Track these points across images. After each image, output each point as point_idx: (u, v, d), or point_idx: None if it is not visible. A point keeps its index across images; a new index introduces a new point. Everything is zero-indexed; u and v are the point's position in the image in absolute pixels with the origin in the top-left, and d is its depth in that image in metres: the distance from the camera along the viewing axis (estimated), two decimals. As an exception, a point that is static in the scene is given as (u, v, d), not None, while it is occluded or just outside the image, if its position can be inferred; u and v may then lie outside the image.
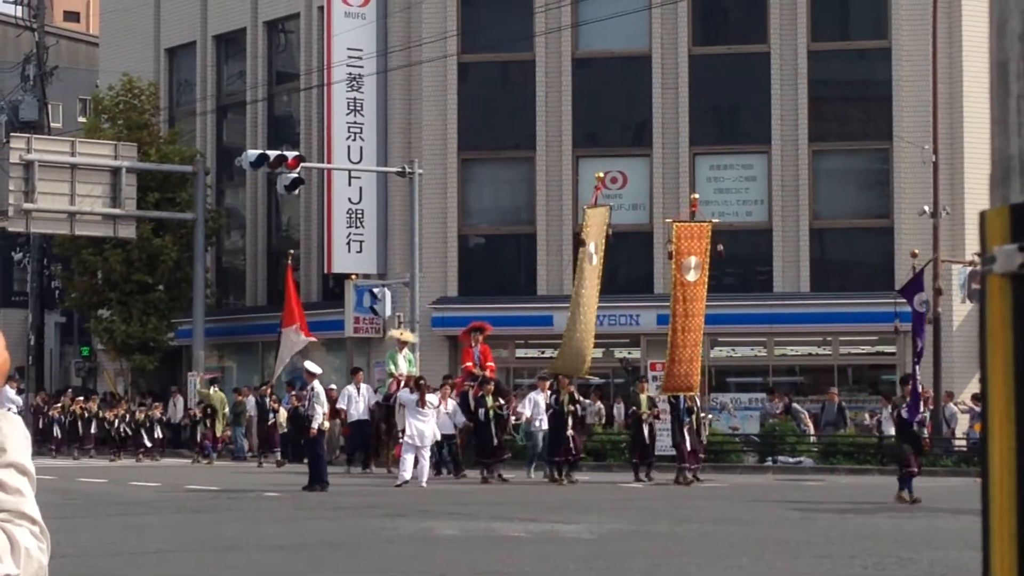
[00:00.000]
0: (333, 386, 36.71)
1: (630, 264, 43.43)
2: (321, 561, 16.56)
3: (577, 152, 43.36)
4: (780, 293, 41.31)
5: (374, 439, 35.69)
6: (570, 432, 30.50)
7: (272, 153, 39.01)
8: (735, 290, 41.84)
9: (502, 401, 31.94)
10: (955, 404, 38.01)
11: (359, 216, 44.13)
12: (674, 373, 30.32)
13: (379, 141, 44.19)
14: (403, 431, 30.77)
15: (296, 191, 40.07)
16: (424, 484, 28.75)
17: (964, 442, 36.39)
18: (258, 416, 42.28)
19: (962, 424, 37.80)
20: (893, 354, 41.13)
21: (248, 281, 49.46)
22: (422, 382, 31.25)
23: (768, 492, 26.72)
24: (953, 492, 27.02)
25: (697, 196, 33.46)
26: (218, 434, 43.02)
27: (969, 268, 36.23)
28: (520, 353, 43.31)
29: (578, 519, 20.96)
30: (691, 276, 30.43)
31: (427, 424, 29.84)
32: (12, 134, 47.89)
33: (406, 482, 28.81)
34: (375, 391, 36.20)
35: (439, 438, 31.25)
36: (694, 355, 30.47)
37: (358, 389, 35.85)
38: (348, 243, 43.94)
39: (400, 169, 40.68)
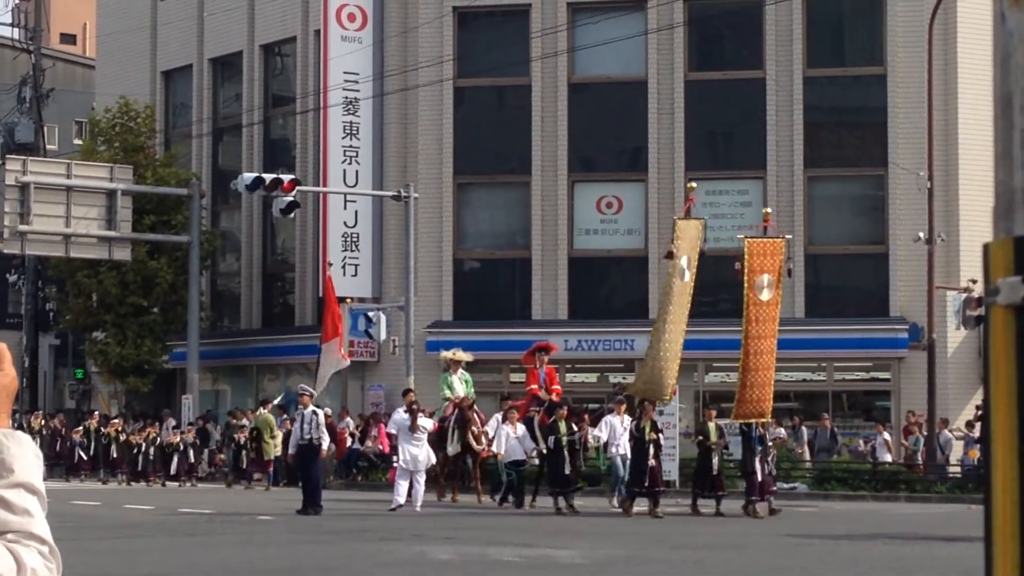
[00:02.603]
0: (328, 410, 36.64)
1: (625, 289, 43.50)
2: (315, 585, 16.53)
3: (573, 177, 43.42)
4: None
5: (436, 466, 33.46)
6: (651, 462, 28.05)
7: (268, 176, 39.06)
8: (730, 315, 41.76)
9: (575, 428, 29.56)
10: (950, 431, 38.04)
11: (354, 240, 44.16)
12: (746, 398, 28.36)
13: (375, 165, 44.24)
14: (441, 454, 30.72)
15: (292, 214, 40.10)
16: (418, 508, 28.71)
17: (959, 468, 36.38)
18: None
19: (956, 451, 37.81)
20: (888, 380, 41.17)
21: (243, 304, 49.45)
22: (465, 404, 31.13)
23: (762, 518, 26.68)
24: (947, 519, 27.00)
25: (769, 211, 31.15)
26: (267, 457, 40.87)
27: (964, 295, 36.25)
28: (515, 378, 43.27)
29: (572, 544, 20.94)
30: (764, 295, 28.51)
31: (420, 448, 29.74)
32: (8, 156, 47.91)
33: (400, 506, 28.77)
34: (430, 415, 33.93)
35: (433, 462, 31.06)
36: (767, 379, 28.47)
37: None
38: (343, 266, 43.94)
39: (396, 193, 40.74)
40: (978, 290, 34.65)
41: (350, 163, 44.09)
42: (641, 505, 28.10)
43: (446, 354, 34.35)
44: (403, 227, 40.96)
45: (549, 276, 43.05)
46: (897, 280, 40.83)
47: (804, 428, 39.77)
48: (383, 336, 41.14)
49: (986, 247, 2.22)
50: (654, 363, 29.01)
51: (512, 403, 32.34)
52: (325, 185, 43.57)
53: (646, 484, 27.90)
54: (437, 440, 32.45)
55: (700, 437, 29.93)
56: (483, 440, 31.89)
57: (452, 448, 32.25)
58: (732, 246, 42.35)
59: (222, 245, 50.40)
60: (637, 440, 28.49)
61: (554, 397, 31.43)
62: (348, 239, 44.13)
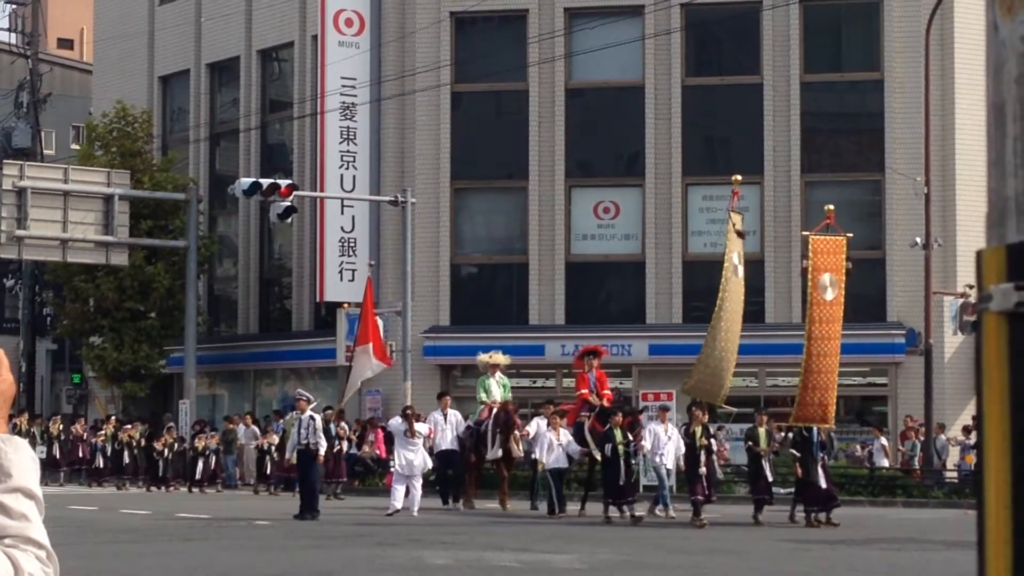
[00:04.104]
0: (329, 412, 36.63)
1: (622, 294, 43.51)
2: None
3: (570, 182, 43.43)
4: (772, 324, 41.30)
5: (467, 470, 32.52)
6: (702, 470, 26.98)
7: (265, 181, 39.04)
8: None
9: (631, 437, 28.10)
10: (946, 438, 38.06)
11: (351, 245, 44.16)
12: (807, 402, 27.15)
13: (372, 170, 44.25)
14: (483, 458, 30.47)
15: (289, 219, 40.11)
16: (415, 513, 28.70)
17: (955, 474, 36.39)
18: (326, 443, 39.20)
19: (953, 456, 37.83)
20: (885, 385, 41.19)
21: (240, 309, 49.45)
22: (509, 407, 30.65)
23: (773, 522, 26.63)
24: (945, 524, 27.01)
25: (832, 208, 30.02)
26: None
27: (961, 300, 36.26)
28: (512, 383, 43.24)
29: (569, 549, 20.94)
30: (828, 295, 27.27)
31: (416, 454, 29.65)
32: (5, 161, 47.86)
33: (397, 511, 28.76)
34: (465, 418, 33.32)
35: (429, 467, 30.99)
36: (830, 382, 27.29)
37: (445, 416, 32.70)
38: (340, 271, 43.95)
39: (393, 198, 40.74)
40: (975, 295, 34.65)
41: (347, 168, 44.10)
42: (682, 512, 27.36)
43: (483, 357, 33.53)
44: (400, 232, 40.97)
45: (546, 281, 43.06)
46: (894, 285, 40.85)
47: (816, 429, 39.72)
48: (380, 341, 41.10)
49: (979, 254, 2.24)
50: (708, 362, 28.01)
51: (563, 406, 31.36)
52: (322, 190, 43.58)
53: (705, 493, 26.79)
54: (474, 444, 31.96)
55: (750, 443, 28.62)
56: (522, 445, 31.27)
57: (492, 453, 31.51)
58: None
59: (219, 250, 50.40)
60: (689, 446, 27.47)
61: (605, 402, 30.21)
62: (345, 244, 44.13)
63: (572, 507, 29.46)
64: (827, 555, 21.03)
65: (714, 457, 27.82)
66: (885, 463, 37.75)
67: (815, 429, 27.30)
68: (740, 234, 28.52)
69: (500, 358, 33.23)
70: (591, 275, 43.31)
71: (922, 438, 37.54)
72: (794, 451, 27.60)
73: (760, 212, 42.21)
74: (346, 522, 27.43)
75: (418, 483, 29.70)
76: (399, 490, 29.29)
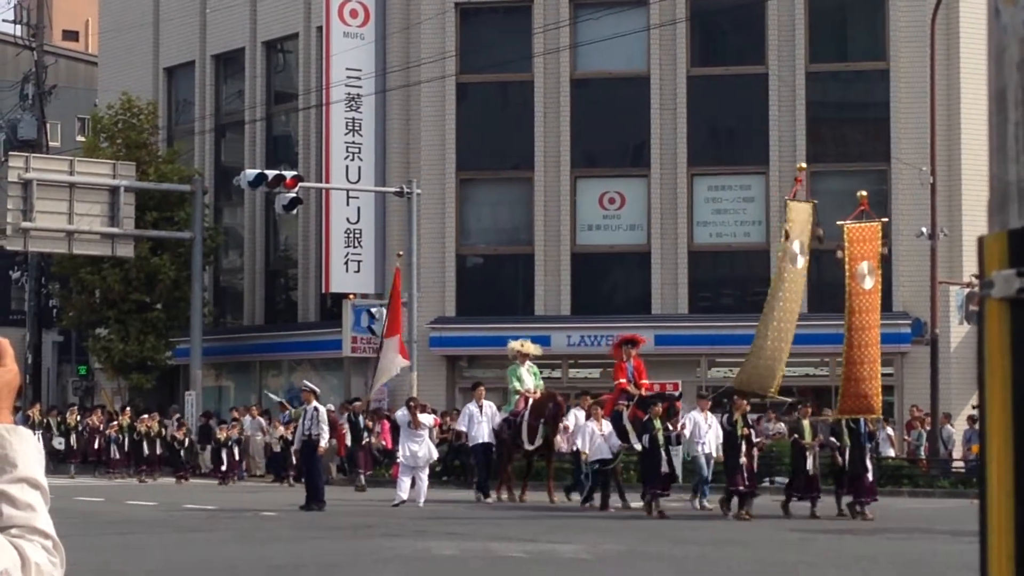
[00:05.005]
0: (331, 406, 36.66)
1: (627, 284, 43.49)
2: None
3: (575, 172, 43.41)
4: (778, 314, 41.21)
5: (502, 462, 31.59)
6: (743, 460, 26.31)
7: (270, 173, 39.06)
8: (733, 311, 41.85)
9: (670, 427, 27.48)
10: (952, 426, 38.06)
11: (357, 236, 44.16)
12: (851, 393, 26.62)
13: (377, 161, 44.24)
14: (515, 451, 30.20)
15: (294, 211, 40.10)
16: (421, 504, 28.71)
17: (961, 463, 36.39)
18: (352, 435, 38.27)
19: (959, 445, 37.82)
20: (891, 375, 41.14)
21: (246, 300, 49.48)
22: (558, 398, 30.03)
23: (765, 513, 26.65)
24: (951, 513, 27.01)
25: (865, 194, 29.28)
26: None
27: (967, 290, 36.22)
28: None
29: (576, 539, 20.96)
30: (867, 284, 26.67)
31: (421, 445, 29.60)
32: (10, 153, 47.93)
33: (403, 502, 28.77)
34: (499, 409, 32.57)
35: (435, 458, 30.92)
36: (873, 372, 26.62)
37: (480, 408, 32.03)
38: (346, 263, 43.95)
39: (398, 189, 40.75)
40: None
41: (353, 159, 44.09)
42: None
43: (514, 344, 32.85)
44: (406, 223, 40.98)
45: (552, 272, 43.05)
46: (900, 275, 40.80)
47: (809, 422, 39.68)
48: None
49: (981, 240, 2.24)
50: (760, 353, 27.37)
51: (602, 397, 30.65)
52: (328, 181, 43.58)
53: (745, 484, 26.23)
54: (512, 436, 31.11)
55: (795, 436, 27.94)
56: (565, 437, 30.47)
57: (535, 442, 30.68)
58: (734, 241, 42.65)
59: (225, 242, 50.42)
60: (729, 435, 26.92)
61: (643, 392, 29.79)
62: (351, 235, 44.13)
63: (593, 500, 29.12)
64: (833, 545, 21.04)
65: (755, 448, 27.22)
66: (891, 453, 37.72)
67: (862, 420, 26.83)
68: (817, 230, 27.55)
69: (531, 347, 32.63)
70: (597, 266, 43.30)
71: (928, 428, 37.54)
72: (835, 440, 27.09)
73: (765, 202, 42.18)
74: (352, 513, 27.45)
75: (424, 474, 29.69)
76: (405, 481, 29.32)
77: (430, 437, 30.71)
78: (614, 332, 41.32)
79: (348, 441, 38.10)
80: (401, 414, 30.64)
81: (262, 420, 43.15)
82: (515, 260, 43.97)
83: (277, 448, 40.77)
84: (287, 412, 40.54)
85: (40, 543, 2.84)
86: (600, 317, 41.93)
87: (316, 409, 29.44)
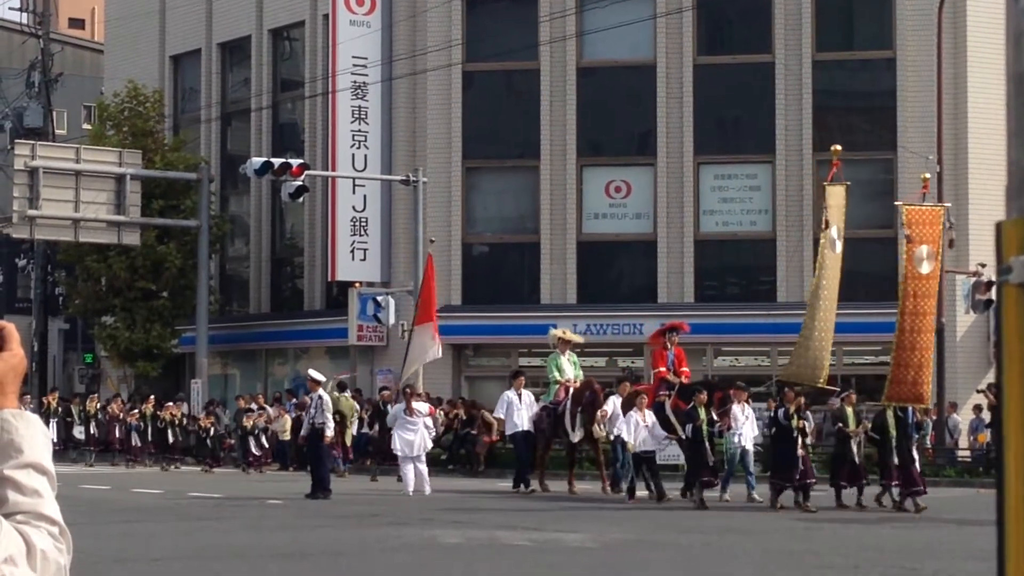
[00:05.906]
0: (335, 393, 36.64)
1: (633, 273, 43.47)
2: (325, 570, 16.57)
3: (581, 161, 43.37)
4: (784, 303, 41.25)
5: (541, 452, 30.86)
6: (800, 452, 25.47)
7: (276, 161, 39.04)
8: (739, 299, 41.85)
9: (715, 416, 26.90)
10: (957, 415, 38.05)
11: (363, 224, 44.15)
12: (900, 379, 25.56)
13: (383, 149, 44.23)
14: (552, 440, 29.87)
15: (300, 199, 40.07)
16: (427, 492, 28.67)
17: (968, 453, 36.37)
18: (379, 424, 37.12)
19: (965, 435, 37.81)
20: (897, 364, 41.09)
21: (252, 288, 49.49)
22: (595, 386, 29.15)
23: (784, 504, 26.56)
24: (957, 503, 26.99)
25: (928, 176, 28.27)
26: (347, 443, 38.45)
27: (973, 279, 36.17)
28: (523, 362, 43.24)
29: (581, 528, 20.96)
30: (924, 268, 25.80)
31: (415, 433, 29.25)
32: (17, 141, 47.91)
33: (412, 492, 28.66)
34: (537, 399, 31.77)
35: (429, 447, 30.52)
36: (925, 360, 25.64)
37: (519, 396, 31.34)
38: (352, 251, 43.95)
39: (404, 177, 40.74)
40: (987, 274, 34.58)
41: (359, 147, 44.07)
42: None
43: (555, 332, 31.99)
44: (412, 212, 40.97)
45: (558, 260, 43.03)
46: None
47: (810, 413, 39.66)
48: (392, 320, 41.15)
49: (999, 226, 2.22)
50: (807, 345, 26.53)
51: (637, 387, 29.66)
52: (334, 170, 43.58)
53: (798, 476, 25.41)
54: (551, 426, 30.43)
55: (839, 424, 27.24)
56: (604, 425, 29.60)
57: (576, 435, 29.94)
58: (740, 229, 42.61)
59: (231, 230, 50.42)
60: (783, 428, 26.01)
61: (683, 380, 29.12)
62: (357, 223, 44.12)
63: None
64: (839, 534, 21.03)
65: (808, 440, 26.64)
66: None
67: (910, 409, 26.06)
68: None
69: (572, 336, 31.88)
70: (603, 254, 43.28)
71: (934, 417, 37.50)
72: (874, 434, 26.39)
73: (772, 191, 42.15)
74: (358, 502, 27.45)
75: (422, 462, 29.38)
76: (408, 472, 29.14)
77: (432, 425, 30.55)
78: (620, 321, 41.41)
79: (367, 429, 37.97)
80: (397, 406, 30.55)
81: (268, 409, 43.12)
82: (521, 249, 43.95)
83: (287, 436, 40.70)
84: (293, 401, 40.55)
85: (47, 529, 2.82)
86: (606, 306, 41.92)
87: (321, 398, 29.42)
